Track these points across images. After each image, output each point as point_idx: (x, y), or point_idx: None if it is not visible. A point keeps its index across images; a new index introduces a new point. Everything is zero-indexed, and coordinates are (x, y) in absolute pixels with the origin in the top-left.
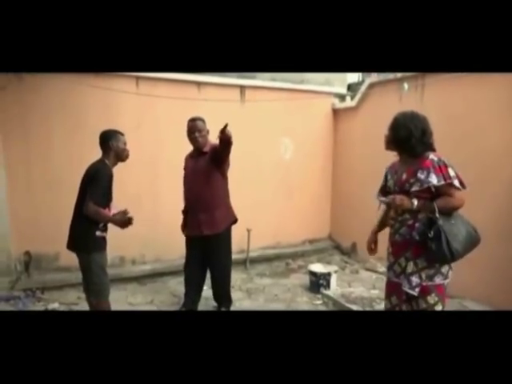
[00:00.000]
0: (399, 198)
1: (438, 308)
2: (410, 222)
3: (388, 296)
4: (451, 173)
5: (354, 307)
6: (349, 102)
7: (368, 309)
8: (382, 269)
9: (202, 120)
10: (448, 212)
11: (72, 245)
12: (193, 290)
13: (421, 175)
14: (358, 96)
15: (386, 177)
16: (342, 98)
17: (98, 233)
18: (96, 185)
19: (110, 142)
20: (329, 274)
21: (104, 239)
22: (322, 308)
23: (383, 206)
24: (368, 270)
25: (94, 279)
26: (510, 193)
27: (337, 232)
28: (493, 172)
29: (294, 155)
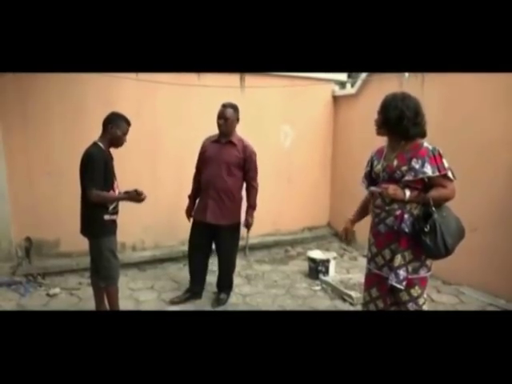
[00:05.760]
0: (392, 188)
1: (421, 301)
2: (398, 213)
3: (367, 288)
4: (445, 163)
5: (353, 293)
6: (349, 89)
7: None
8: None
9: (234, 107)
10: (440, 204)
11: (82, 230)
12: (197, 276)
13: (415, 164)
14: (359, 83)
15: (371, 162)
16: (342, 84)
17: (106, 216)
18: (92, 170)
19: (109, 125)
20: (327, 261)
21: (113, 222)
22: (321, 294)
23: (365, 193)
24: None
25: (104, 263)
26: (507, 180)
27: (336, 219)
28: (490, 159)
29: (293, 142)
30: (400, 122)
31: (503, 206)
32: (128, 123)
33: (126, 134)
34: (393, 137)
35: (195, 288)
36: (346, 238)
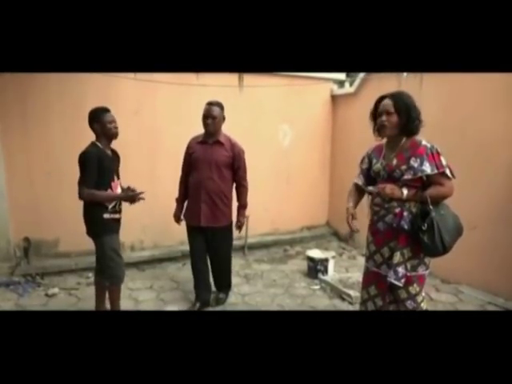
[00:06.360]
0: (390, 188)
1: (419, 299)
2: (397, 210)
3: (366, 286)
4: (443, 161)
5: (351, 292)
6: (347, 88)
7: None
8: None
9: (219, 105)
10: (438, 202)
11: (86, 230)
12: (204, 284)
13: (414, 163)
14: (357, 82)
15: (369, 160)
16: (340, 84)
17: (106, 215)
18: (85, 169)
19: (93, 123)
20: (326, 260)
21: (115, 221)
22: (320, 293)
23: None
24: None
25: (108, 263)
26: (506, 179)
27: (335, 218)
28: (489, 158)
29: (292, 142)
30: (414, 121)
31: (502, 205)
32: (107, 110)
33: (112, 121)
34: (397, 136)
35: (204, 296)
36: (351, 224)
